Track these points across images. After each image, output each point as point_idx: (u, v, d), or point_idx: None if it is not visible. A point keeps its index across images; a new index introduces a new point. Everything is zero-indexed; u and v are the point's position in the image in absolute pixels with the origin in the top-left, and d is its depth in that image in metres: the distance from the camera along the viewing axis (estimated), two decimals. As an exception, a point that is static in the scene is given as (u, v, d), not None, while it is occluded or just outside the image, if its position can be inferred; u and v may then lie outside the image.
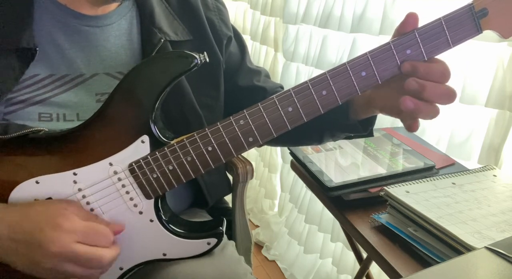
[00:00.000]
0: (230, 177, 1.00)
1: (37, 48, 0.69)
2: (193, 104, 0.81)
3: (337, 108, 0.68)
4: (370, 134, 0.77)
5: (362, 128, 0.75)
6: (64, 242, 0.60)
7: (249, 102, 0.67)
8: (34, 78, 0.71)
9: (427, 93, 0.59)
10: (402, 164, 0.96)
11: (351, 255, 1.49)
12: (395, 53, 0.60)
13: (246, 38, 2.12)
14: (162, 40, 0.76)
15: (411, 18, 0.60)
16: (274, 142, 0.76)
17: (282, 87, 0.91)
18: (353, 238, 0.92)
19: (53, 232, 0.60)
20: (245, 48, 0.92)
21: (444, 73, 0.60)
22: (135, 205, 0.68)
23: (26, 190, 0.66)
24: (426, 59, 0.60)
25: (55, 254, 0.60)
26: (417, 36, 0.60)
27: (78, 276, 0.63)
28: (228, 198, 1.01)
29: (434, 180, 0.86)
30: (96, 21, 0.74)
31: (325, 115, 0.65)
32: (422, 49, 0.60)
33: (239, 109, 0.67)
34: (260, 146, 0.70)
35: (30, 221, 0.62)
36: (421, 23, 0.60)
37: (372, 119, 0.74)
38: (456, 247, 0.69)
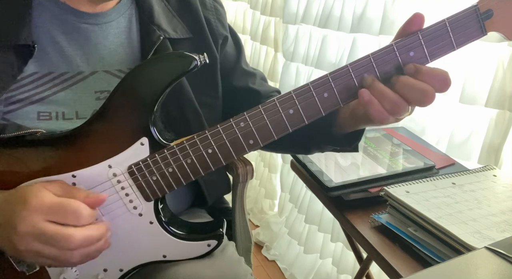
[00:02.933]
0: (230, 177, 1.00)
1: (36, 45, 0.69)
2: (192, 103, 0.81)
3: (322, 121, 0.68)
4: (355, 149, 0.76)
5: (347, 142, 0.74)
6: (32, 220, 0.57)
7: (243, 104, 0.67)
8: (33, 76, 0.71)
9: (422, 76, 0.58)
10: (402, 164, 0.96)
11: (351, 255, 1.49)
12: (398, 55, 0.60)
13: (246, 38, 2.12)
14: (161, 37, 0.76)
15: (417, 18, 0.59)
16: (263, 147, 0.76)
17: (278, 92, 0.91)
18: (353, 238, 0.92)
19: (22, 211, 0.58)
20: (242, 49, 0.92)
21: (446, 79, 0.58)
22: (135, 207, 0.68)
23: None
24: (429, 61, 0.60)
25: (24, 234, 0.58)
26: (421, 38, 0.59)
27: (52, 258, 0.60)
28: (228, 198, 1.01)
29: (434, 180, 0.86)
30: (95, 19, 0.74)
31: (311, 127, 0.65)
32: (426, 51, 0.59)
33: (233, 111, 0.66)
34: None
35: (9, 202, 0.60)
36: (423, 24, 0.60)
37: (358, 134, 0.74)
38: (456, 247, 0.69)
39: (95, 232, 0.61)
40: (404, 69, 0.60)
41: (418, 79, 0.58)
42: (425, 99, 0.58)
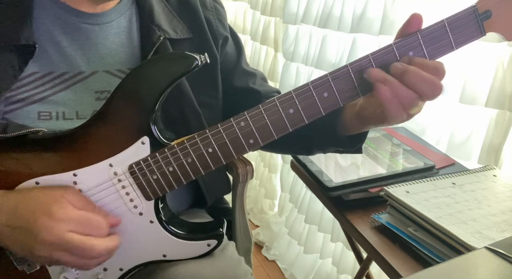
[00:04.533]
0: (230, 177, 1.00)
1: (36, 46, 0.69)
2: (192, 103, 0.81)
3: (326, 122, 0.67)
4: (358, 151, 0.76)
5: (351, 144, 0.74)
6: (58, 230, 0.60)
7: (243, 104, 0.67)
8: (33, 76, 0.71)
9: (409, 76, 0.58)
10: (402, 164, 0.96)
11: (351, 255, 1.49)
12: (398, 55, 0.60)
13: (246, 38, 2.12)
14: (161, 38, 0.76)
15: (415, 19, 0.59)
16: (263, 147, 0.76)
17: (278, 92, 0.91)
18: (353, 238, 0.92)
19: (47, 220, 0.60)
20: (242, 49, 0.92)
21: (439, 69, 0.58)
22: (135, 206, 0.68)
23: None
24: None
25: (48, 242, 0.60)
26: (420, 38, 0.59)
27: (71, 264, 0.64)
28: (228, 198, 1.01)
29: (434, 180, 0.86)
30: (96, 19, 0.74)
31: (314, 127, 0.65)
32: (425, 51, 0.59)
33: (234, 111, 0.67)
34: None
35: (27, 208, 0.62)
36: (422, 25, 0.60)
37: (362, 136, 0.74)
38: (456, 247, 0.69)
39: (113, 243, 0.65)
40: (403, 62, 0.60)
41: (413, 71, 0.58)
42: (435, 91, 0.58)
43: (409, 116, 0.62)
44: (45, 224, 0.60)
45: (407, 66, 0.58)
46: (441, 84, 0.58)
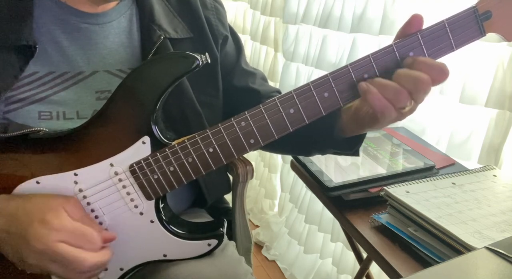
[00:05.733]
0: (230, 177, 1.00)
1: (37, 46, 0.70)
2: (193, 103, 0.81)
3: (323, 124, 0.67)
4: (356, 154, 0.76)
5: (348, 146, 0.74)
6: (48, 240, 0.59)
7: (243, 104, 0.67)
8: (34, 76, 0.71)
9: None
10: (402, 164, 0.96)
11: (351, 255, 1.49)
12: (398, 55, 0.60)
13: (246, 38, 2.12)
14: (162, 37, 0.77)
15: (415, 19, 0.59)
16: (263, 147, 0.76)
17: (279, 92, 0.91)
18: (353, 238, 0.92)
19: (40, 228, 0.60)
20: (242, 49, 0.92)
21: (442, 68, 0.58)
22: (136, 206, 0.68)
23: (27, 190, 0.66)
24: None
25: (38, 250, 0.60)
26: (420, 38, 0.59)
27: (61, 276, 0.63)
28: (228, 198, 1.01)
29: (434, 180, 0.86)
30: (96, 19, 0.74)
31: (312, 129, 0.65)
32: (425, 51, 0.59)
33: (233, 110, 0.67)
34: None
35: (25, 214, 0.61)
36: (423, 25, 0.60)
37: (360, 138, 0.74)
38: (456, 247, 0.69)
39: (104, 258, 0.64)
40: (403, 63, 0.60)
41: (416, 69, 0.58)
42: (420, 86, 0.57)
43: (401, 116, 0.62)
44: (38, 231, 0.60)
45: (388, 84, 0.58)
46: (427, 79, 0.57)
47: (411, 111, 0.62)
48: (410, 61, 0.59)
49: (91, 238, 0.62)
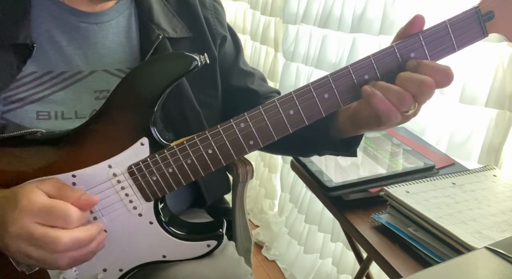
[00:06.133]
0: (230, 177, 1.00)
1: (35, 45, 0.69)
2: (192, 103, 0.81)
3: (319, 125, 0.67)
4: (353, 154, 0.76)
5: (345, 147, 0.74)
6: (22, 222, 0.57)
7: (241, 104, 0.66)
8: (32, 76, 0.71)
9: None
10: (402, 164, 0.96)
11: (351, 255, 1.49)
12: (399, 56, 0.59)
13: (246, 38, 2.12)
14: (161, 36, 0.76)
15: (417, 20, 0.59)
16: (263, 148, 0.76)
17: (278, 93, 0.91)
18: (353, 238, 0.92)
19: (13, 212, 0.58)
20: (240, 49, 0.92)
21: (447, 72, 0.58)
22: (135, 207, 0.68)
23: None
24: None
25: (15, 235, 0.58)
26: (422, 39, 0.59)
27: (41, 260, 0.59)
28: (228, 198, 1.01)
29: (434, 180, 0.86)
30: (94, 18, 0.74)
31: (308, 130, 0.64)
32: (427, 52, 0.59)
33: (232, 111, 0.66)
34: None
35: (3, 203, 0.60)
36: (424, 26, 0.60)
37: (357, 139, 0.74)
38: (456, 247, 0.69)
39: (84, 234, 0.60)
40: (406, 65, 0.59)
41: (421, 73, 0.58)
42: (424, 90, 0.57)
43: (405, 119, 0.61)
44: (12, 216, 0.58)
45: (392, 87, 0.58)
46: (431, 82, 0.57)
47: (415, 114, 0.62)
48: (414, 65, 0.58)
49: (63, 214, 0.58)
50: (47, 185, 0.61)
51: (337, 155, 0.78)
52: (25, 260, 0.61)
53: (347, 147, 0.74)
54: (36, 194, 0.59)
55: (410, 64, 0.59)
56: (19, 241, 0.58)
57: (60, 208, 0.59)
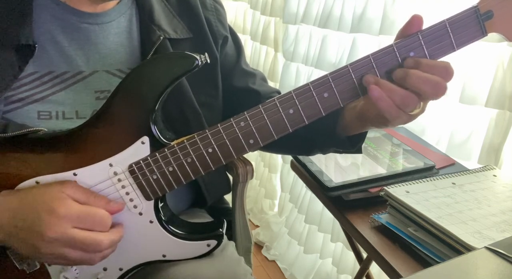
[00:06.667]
0: (230, 177, 1.00)
1: (36, 45, 0.69)
2: (192, 103, 0.81)
3: (325, 123, 0.67)
4: (358, 151, 0.76)
5: (351, 144, 0.74)
6: (61, 227, 0.60)
7: (242, 104, 0.66)
8: (33, 76, 0.71)
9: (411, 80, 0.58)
10: (402, 164, 0.96)
11: (351, 255, 1.49)
12: (398, 56, 0.60)
13: (246, 38, 2.12)
14: (161, 37, 0.77)
15: (415, 20, 0.59)
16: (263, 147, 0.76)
17: (278, 93, 0.90)
18: (353, 238, 0.92)
19: (49, 217, 0.60)
20: (241, 49, 0.92)
21: (447, 68, 0.58)
22: (135, 206, 0.68)
23: None
24: None
25: (53, 240, 0.60)
26: (421, 38, 0.59)
27: (76, 260, 0.63)
28: (228, 198, 1.01)
29: (434, 180, 0.86)
30: (96, 19, 0.74)
31: (313, 128, 0.65)
32: (426, 51, 0.59)
33: (233, 111, 0.66)
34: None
35: (29, 206, 0.62)
36: (423, 25, 0.60)
37: (362, 136, 0.74)
38: (456, 247, 0.69)
39: (117, 235, 0.66)
40: (405, 66, 0.60)
41: (421, 71, 0.58)
42: (428, 88, 0.57)
43: (411, 118, 0.62)
44: (48, 221, 0.60)
45: (408, 71, 0.58)
46: (445, 83, 0.58)
47: (421, 112, 0.62)
48: (412, 64, 0.59)
49: (100, 219, 0.63)
50: (74, 191, 0.64)
51: (342, 152, 0.78)
52: (56, 260, 0.64)
53: (352, 144, 0.74)
54: (69, 200, 0.63)
55: (408, 64, 0.59)
56: (57, 244, 0.61)
57: (97, 214, 0.63)
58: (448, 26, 0.58)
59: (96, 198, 0.66)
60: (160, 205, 0.69)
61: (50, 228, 0.60)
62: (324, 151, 0.81)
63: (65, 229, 0.60)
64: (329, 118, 0.64)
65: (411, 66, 0.59)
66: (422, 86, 0.58)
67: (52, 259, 0.64)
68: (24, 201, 0.63)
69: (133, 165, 0.66)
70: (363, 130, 0.71)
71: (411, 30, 0.59)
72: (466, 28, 0.58)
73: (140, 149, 0.66)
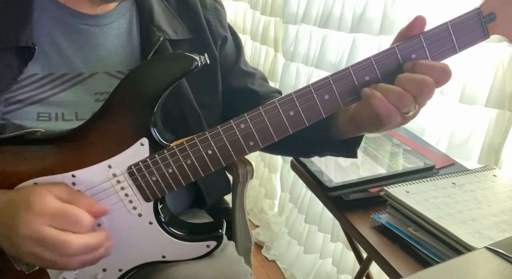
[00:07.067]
0: (230, 177, 1.00)
1: (36, 47, 0.69)
2: (192, 104, 0.81)
3: (319, 126, 0.67)
4: (353, 155, 0.76)
5: (345, 148, 0.74)
6: (34, 224, 0.58)
7: (242, 104, 0.66)
8: (33, 77, 0.71)
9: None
10: (402, 164, 0.96)
11: (351, 255, 1.49)
12: (400, 58, 0.59)
13: (246, 38, 2.12)
14: (161, 38, 0.76)
15: (419, 21, 0.58)
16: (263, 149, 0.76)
17: (279, 93, 0.90)
18: (353, 238, 0.92)
19: (25, 214, 0.58)
20: (241, 49, 0.92)
21: (444, 69, 0.58)
22: (134, 208, 0.68)
23: None
24: None
25: (26, 237, 0.58)
26: (423, 40, 0.58)
27: (51, 262, 0.60)
28: (228, 198, 1.01)
29: (434, 180, 0.86)
30: (96, 20, 0.74)
31: (308, 132, 0.64)
32: (428, 54, 0.59)
33: (232, 111, 0.66)
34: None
35: (13, 204, 0.60)
36: (425, 27, 0.59)
37: (357, 140, 0.73)
38: (456, 247, 0.69)
39: (94, 240, 0.61)
40: (403, 67, 0.59)
41: (418, 73, 0.57)
42: (424, 89, 0.57)
43: (404, 120, 0.61)
44: (24, 218, 0.58)
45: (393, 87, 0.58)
46: (433, 81, 0.57)
47: (415, 115, 0.62)
48: (411, 65, 0.58)
49: (76, 219, 0.59)
50: (58, 190, 0.62)
51: (337, 155, 0.78)
52: (35, 260, 0.61)
53: (347, 148, 0.74)
54: (49, 197, 0.60)
55: (407, 66, 0.59)
56: (30, 242, 0.59)
57: (73, 213, 0.60)
58: (450, 28, 0.58)
59: (80, 198, 0.63)
60: (160, 206, 0.69)
61: (24, 225, 0.58)
62: (320, 154, 0.81)
63: (38, 226, 0.58)
64: (323, 121, 0.64)
65: (409, 69, 0.59)
66: (408, 86, 0.57)
67: (30, 258, 0.61)
68: (10, 199, 0.61)
69: (132, 167, 0.65)
70: (357, 134, 0.70)
71: (414, 32, 0.59)
72: (468, 30, 0.58)
73: (139, 151, 0.65)
